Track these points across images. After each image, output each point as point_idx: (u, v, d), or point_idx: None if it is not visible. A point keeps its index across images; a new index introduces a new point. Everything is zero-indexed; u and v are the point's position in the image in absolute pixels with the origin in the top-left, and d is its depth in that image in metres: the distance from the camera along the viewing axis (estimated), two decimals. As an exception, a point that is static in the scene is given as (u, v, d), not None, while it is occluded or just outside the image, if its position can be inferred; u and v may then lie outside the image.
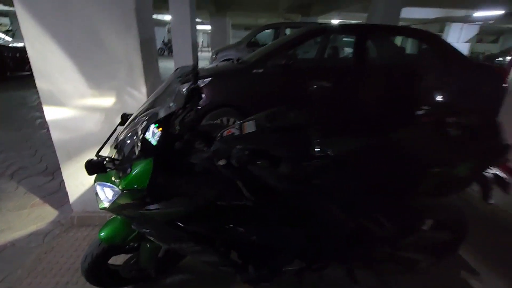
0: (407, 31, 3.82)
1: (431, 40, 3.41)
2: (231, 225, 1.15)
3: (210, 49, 12.25)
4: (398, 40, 7.41)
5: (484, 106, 3.08)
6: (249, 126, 1.13)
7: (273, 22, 8.14)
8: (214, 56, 7.64)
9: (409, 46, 6.38)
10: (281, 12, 11.97)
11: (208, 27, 12.62)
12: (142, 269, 1.43)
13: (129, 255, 1.47)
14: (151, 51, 1.86)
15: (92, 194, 1.34)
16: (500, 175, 1.34)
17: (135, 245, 1.42)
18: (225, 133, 1.15)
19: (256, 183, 1.08)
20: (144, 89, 1.77)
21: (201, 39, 26.82)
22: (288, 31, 7.41)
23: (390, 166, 1.21)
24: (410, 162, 1.22)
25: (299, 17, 11.55)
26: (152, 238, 1.17)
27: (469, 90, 3.23)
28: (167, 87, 1.20)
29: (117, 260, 1.48)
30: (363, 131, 2.97)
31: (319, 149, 1.19)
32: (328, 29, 3.49)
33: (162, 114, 1.05)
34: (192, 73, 1.21)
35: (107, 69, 1.69)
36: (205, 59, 11.86)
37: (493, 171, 1.35)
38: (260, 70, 3.08)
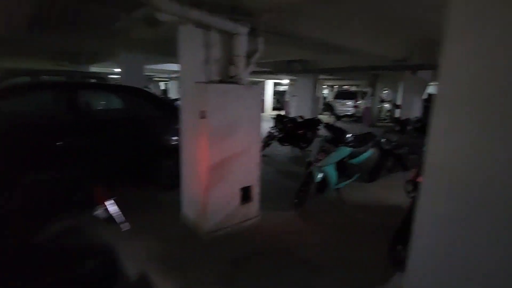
0: (113, 87, 4.88)
1: (134, 92, 4.64)
2: None
3: None
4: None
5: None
6: None
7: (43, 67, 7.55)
8: None
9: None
10: (49, 58, 11.13)
11: None
12: None
13: None
14: None
15: None
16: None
17: None
18: None
19: None
20: None
21: None
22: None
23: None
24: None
25: (68, 64, 11.24)
26: None
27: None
28: None
29: None
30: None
31: None
32: (31, 87, 3.89)
33: None
34: None
35: None
36: None
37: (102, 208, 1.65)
38: None
